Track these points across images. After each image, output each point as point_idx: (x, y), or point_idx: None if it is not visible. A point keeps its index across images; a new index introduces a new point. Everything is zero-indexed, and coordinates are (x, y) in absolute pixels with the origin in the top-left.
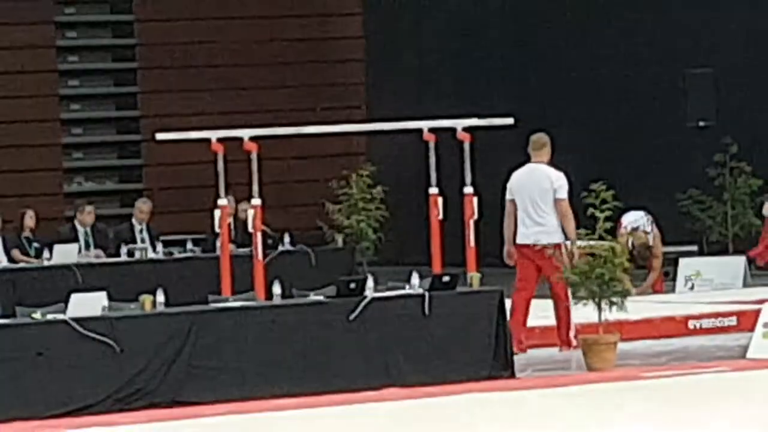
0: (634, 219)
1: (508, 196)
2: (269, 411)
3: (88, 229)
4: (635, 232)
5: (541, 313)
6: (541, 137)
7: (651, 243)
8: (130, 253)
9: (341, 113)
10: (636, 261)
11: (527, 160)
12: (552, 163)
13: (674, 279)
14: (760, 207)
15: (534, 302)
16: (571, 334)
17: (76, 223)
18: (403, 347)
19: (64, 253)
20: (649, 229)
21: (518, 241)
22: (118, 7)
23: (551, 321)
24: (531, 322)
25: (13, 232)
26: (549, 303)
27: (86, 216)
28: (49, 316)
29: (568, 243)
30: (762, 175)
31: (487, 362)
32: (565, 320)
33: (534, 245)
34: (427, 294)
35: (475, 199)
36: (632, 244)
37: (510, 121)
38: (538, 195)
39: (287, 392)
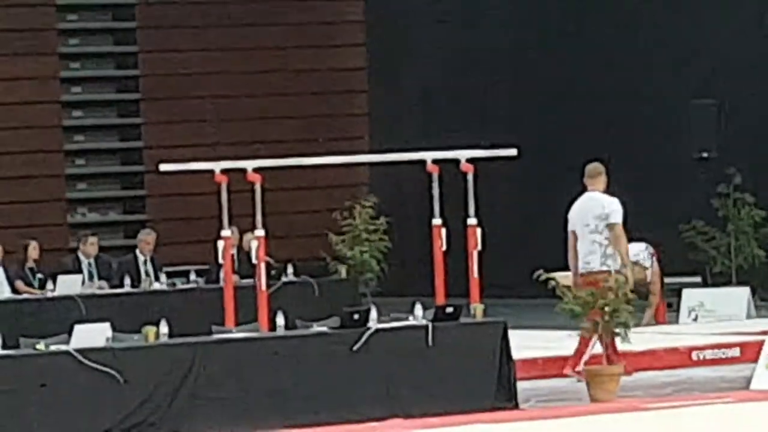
0: (634, 253)
1: (569, 228)
2: None
3: (92, 260)
4: (634, 265)
5: (544, 345)
6: (596, 166)
7: (648, 278)
8: (134, 285)
9: (344, 144)
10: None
11: (529, 190)
12: (607, 190)
13: (678, 310)
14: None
15: (538, 333)
16: (581, 364)
17: (80, 254)
18: (406, 378)
19: (68, 284)
20: (648, 264)
21: (580, 270)
22: (122, 38)
23: (554, 352)
24: (534, 353)
25: (16, 264)
26: (552, 334)
27: (89, 247)
28: (53, 347)
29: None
30: (766, 206)
31: (491, 393)
32: (583, 349)
33: (587, 273)
34: (430, 325)
35: (478, 230)
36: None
37: (513, 152)
38: (593, 222)
39: (291, 423)
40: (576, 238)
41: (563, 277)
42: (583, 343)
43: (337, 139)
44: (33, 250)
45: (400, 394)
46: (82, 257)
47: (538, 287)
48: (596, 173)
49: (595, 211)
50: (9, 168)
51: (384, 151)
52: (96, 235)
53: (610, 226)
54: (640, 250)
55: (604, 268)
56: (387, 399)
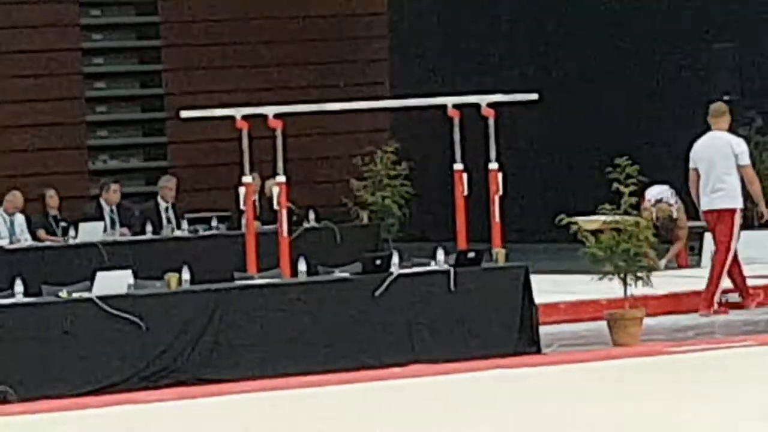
0: (658, 192)
1: (691, 165)
2: (295, 388)
3: (114, 208)
4: (659, 204)
5: (566, 289)
6: (720, 106)
7: (675, 215)
8: (155, 232)
9: (365, 90)
10: (660, 234)
11: (551, 135)
12: (730, 129)
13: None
14: None
15: (559, 278)
16: (716, 299)
17: (102, 201)
18: (428, 323)
19: (90, 232)
20: (672, 201)
21: (702, 208)
22: None
23: (576, 297)
24: (556, 297)
25: (38, 211)
26: (574, 278)
27: (111, 194)
28: (75, 295)
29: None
30: None
31: (513, 338)
32: (714, 284)
33: (713, 210)
34: (452, 270)
35: (499, 175)
36: (656, 217)
37: (534, 96)
38: (719, 162)
39: (313, 369)
40: (698, 176)
41: (585, 221)
42: (713, 281)
43: (358, 85)
44: (50, 199)
45: (422, 340)
46: (104, 204)
47: (560, 232)
48: (720, 112)
49: (722, 150)
50: (30, 116)
51: (405, 96)
52: (118, 182)
53: (742, 168)
54: (663, 190)
55: (731, 206)
56: (409, 344)
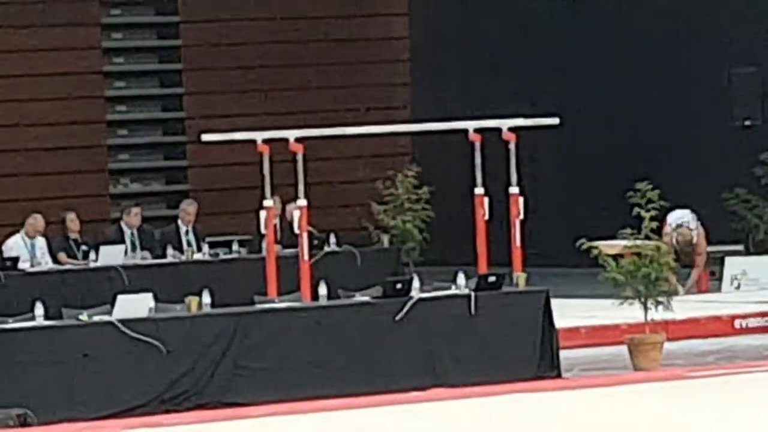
0: (679, 216)
1: None
2: (315, 412)
3: (135, 231)
4: (680, 228)
5: (587, 314)
6: None
7: (695, 240)
8: (176, 255)
9: (386, 114)
10: (680, 258)
11: (571, 159)
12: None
13: (720, 278)
14: None
15: (579, 302)
16: None
17: (123, 224)
18: (449, 347)
19: (110, 255)
20: (693, 225)
21: None
22: (164, 9)
23: (597, 321)
24: (576, 322)
25: (59, 235)
26: (595, 302)
27: (133, 218)
28: (96, 318)
29: None
30: None
31: (534, 362)
32: None
33: None
34: (473, 294)
35: (520, 199)
36: (676, 241)
37: (555, 121)
38: None
39: (333, 393)
40: None
41: (606, 246)
42: None
43: (380, 109)
44: (71, 222)
45: (442, 364)
46: (125, 228)
47: (581, 256)
48: None
49: None
50: (52, 139)
51: (426, 120)
52: (139, 205)
53: None
54: (684, 214)
55: None
56: (429, 369)
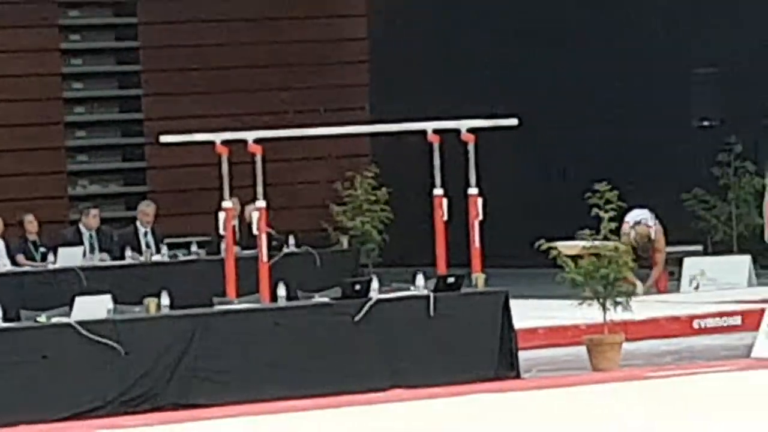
0: (638, 214)
1: None
2: (274, 413)
3: (93, 233)
4: (638, 226)
5: (546, 314)
6: None
7: (653, 236)
8: (135, 257)
9: (345, 115)
10: (639, 256)
11: (530, 160)
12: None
13: (679, 279)
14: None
15: (538, 303)
16: None
17: (81, 226)
18: (408, 348)
19: (69, 257)
20: (651, 223)
21: None
22: (122, 10)
23: (556, 322)
24: (535, 323)
25: (17, 237)
26: (553, 303)
27: (91, 219)
28: (54, 320)
29: None
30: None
31: (493, 363)
32: None
33: None
34: (432, 295)
35: (479, 200)
36: (635, 239)
37: (514, 121)
38: None
39: (292, 394)
40: None
41: (565, 247)
42: None
43: (338, 110)
44: (30, 224)
45: (401, 365)
46: (83, 229)
47: (540, 257)
48: None
49: None
50: (10, 140)
51: (385, 121)
52: (98, 207)
53: None
54: (642, 212)
55: None
56: (388, 369)
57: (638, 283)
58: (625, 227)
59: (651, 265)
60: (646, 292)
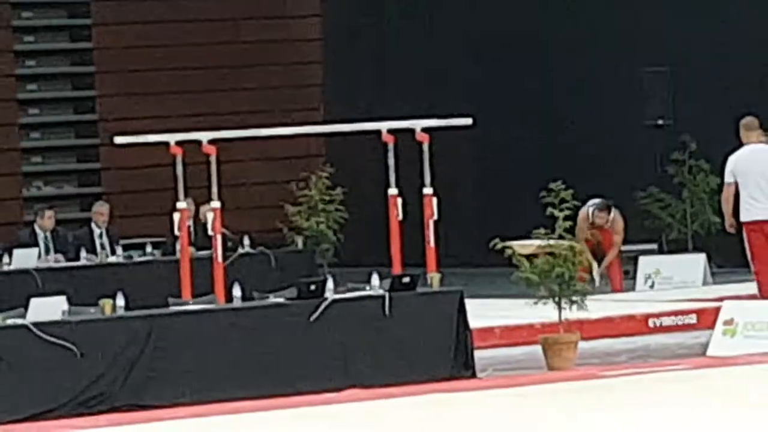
0: (594, 202)
1: (729, 179)
2: (230, 414)
3: (48, 234)
4: (597, 210)
5: (501, 313)
6: (753, 119)
7: (611, 216)
8: (90, 258)
9: (299, 115)
10: (596, 247)
11: (485, 159)
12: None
13: (634, 277)
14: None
15: (494, 302)
16: None
17: (36, 227)
18: (364, 348)
19: (24, 258)
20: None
21: (756, 217)
22: (76, 11)
23: (511, 321)
24: (491, 322)
25: None
26: (509, 302)
27: (46, 220)
28: (9, 321)
29: None
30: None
31: (448, 362)
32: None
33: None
34: (387, 295)
35: (434, 200)
36: (592, 223)
37: (468, 121)
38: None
39: (248, 395)
40: (737, 188)
41: (519, 246)
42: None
43: (293, 110)
44: None
45: (357, 365)
46: (38, 230)
47: (495, 256)
48: (756, 126)
49: None
50: None
51: (339, 121)
52: (53, 208)
53: None
54: (600, 200)
55: None
56: (344, 369)
57: (594, 265)
58: (584, 212)
59: (604, 252)
60: (601, 275)
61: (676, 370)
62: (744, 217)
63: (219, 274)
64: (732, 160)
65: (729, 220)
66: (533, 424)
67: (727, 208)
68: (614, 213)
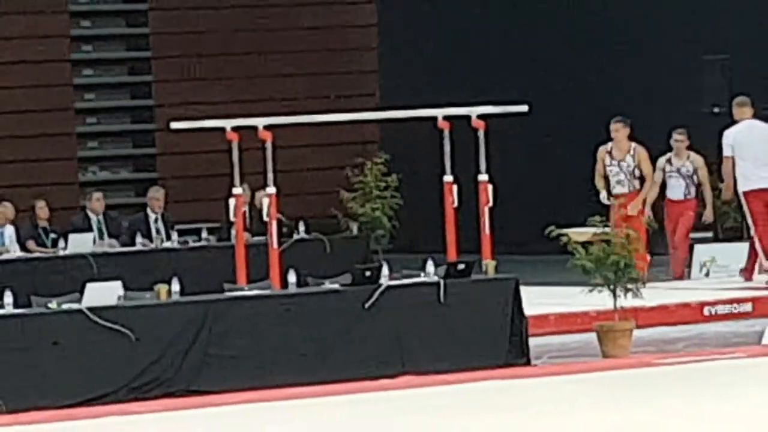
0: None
1: (728, 153)
2: (284, 399)
3: (101, 218)
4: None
5: (556, 301)
6: (746, 98)
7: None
8: (145, 243)
9: (355, 101)
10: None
11: (541, 146)
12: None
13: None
14: None
15: (549, 290)
16: (756, 267)
17: (88, 211)
18: (418, 335)
19: (79, 243)
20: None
21: (755, 186)
22: None
23: (566, 308)
24: (546, 309)
25: (28, 223)
26: (564, 290)
27: (95, 203)
28: (65, 306)
29: None
30: None
31: (503, 349)
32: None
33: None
34: (442, 282)
35: (489, 187)
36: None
37: (524, 108)
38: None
39: (303, 380)
40: (732, 161)
41: (575, 233)
42: (753, 254)
43: (348, 96)
44: (40, 210)
45: (411, 351)
46: (91, 215)
47: (550, 243)
48: (747, 103)
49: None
50: (20, 127)
51: (395, 107)
52: (100, 191)
53: None
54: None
55: None
56: (399, 356)
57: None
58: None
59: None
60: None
61: (731, 359)
62: (744, 186)
63: (274, 259)
64: (730, 134)
65: (730, 190)
66: (587, 412)
67: (729, 179)
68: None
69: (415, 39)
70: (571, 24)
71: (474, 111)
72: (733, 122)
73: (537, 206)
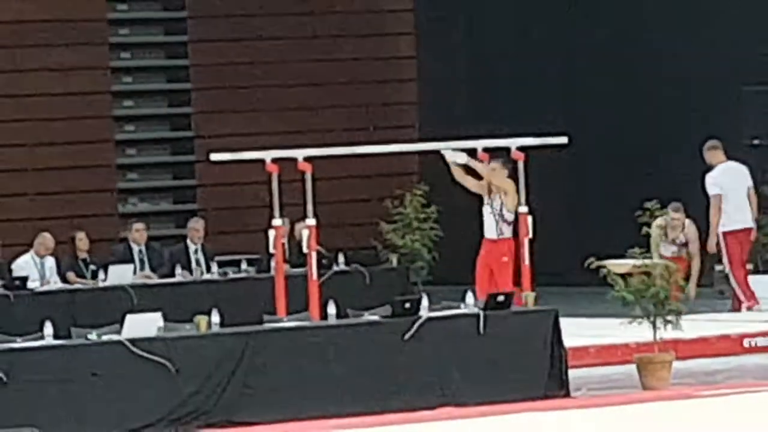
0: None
1: (716, 192)
2: (324, 431)
3: (143, 248)
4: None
5: (595, 333)
6: (717, 141)
7: (684, 224)
8: (185, 274)
9: (395, 132)
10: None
11: (580, 178)
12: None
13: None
14: None
15: (588, 321)
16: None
17: (131, 242)
18: (458, 366)
19: (119, 274)
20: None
21: (744, 226)
22: (172, 28)
23: (606, 340)
24: (585, 341)
25: (68, 254)
26: (603, 322)
27: (136, 234)
28: (105, 337)
29: None
30: None
31: (542, 381)
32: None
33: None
34: (482, 313)
35: (529, 218)
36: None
37: (564, 140)
38: (747, 187)
39: (342, 412)
40: (720, 201)
41: (614, 265)
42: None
43: (387, 128)
44: (80, 241)
45: (451, 383)
46: (133, 245)
47: (590, 275)
48: (720, 146)
49: (748, 177)
50: (61, 158)
51: (434, 139)
52: (142, 222)
53: (752, 192)
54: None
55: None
56: (438, 388)
57: (689, 291)
58: (658, 222)
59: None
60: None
61: None
62: (727, 227)
63: (313, 291)
64: (715, 175)
65: (714, 237)
66: None
67: (716, 218)
68: (689, 221)
69: (455, 71)
70: (611, 54)
71: (513, 143)
72: (708, 167)
73: (576, 238)
